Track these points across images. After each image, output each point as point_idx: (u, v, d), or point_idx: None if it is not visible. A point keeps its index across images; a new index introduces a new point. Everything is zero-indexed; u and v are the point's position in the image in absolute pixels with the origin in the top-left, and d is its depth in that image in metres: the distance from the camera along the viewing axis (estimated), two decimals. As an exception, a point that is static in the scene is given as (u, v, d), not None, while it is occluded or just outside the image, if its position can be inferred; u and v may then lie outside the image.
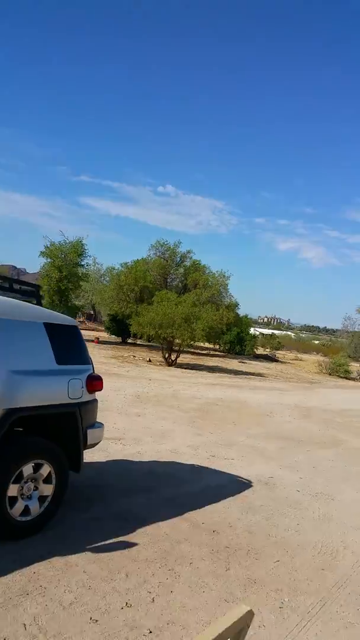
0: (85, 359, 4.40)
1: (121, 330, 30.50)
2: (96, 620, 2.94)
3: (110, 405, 10.33)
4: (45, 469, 3.91)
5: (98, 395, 10.58)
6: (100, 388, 4.48)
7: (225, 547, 4.21)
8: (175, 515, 4.75)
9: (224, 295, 29.70)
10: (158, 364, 22.56)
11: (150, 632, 2.92)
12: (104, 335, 34.34)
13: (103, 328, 36.54)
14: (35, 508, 3.86)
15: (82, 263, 28.80)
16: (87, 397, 4.27)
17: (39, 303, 4.25)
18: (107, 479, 5.60)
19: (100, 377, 4.51)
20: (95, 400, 4.48)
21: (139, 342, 32.33)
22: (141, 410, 10.40)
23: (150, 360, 22.95)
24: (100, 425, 4.58)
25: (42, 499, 3.93)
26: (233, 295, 32.69)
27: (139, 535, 4.18)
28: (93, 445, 4.50)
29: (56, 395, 3.98)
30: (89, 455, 6.36)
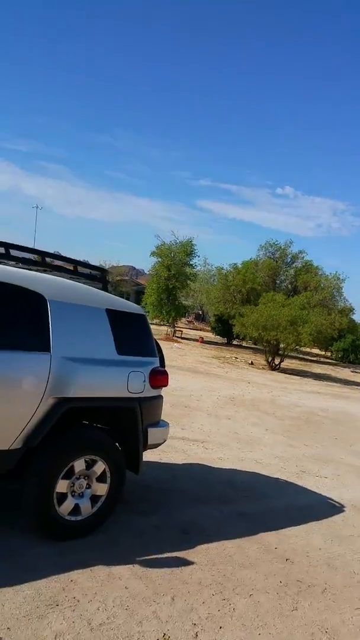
0: (151, 351, 4.04)
1: (226, 331, 30.11)
2: (123, 650, 2.53)
3: (201, 406, 9.98)
4: (99, 467, 3.61)
5: (190, 393, 10.12)
6: (165, 384, 4.09)
7: (297, 580, 3.59)
8: (245, 534, 4.20)
9: (337, 299, 28.01)
10: (261, 367, 21.81)
11: None
12: (210, 335, 34.23)
13: (209, 328, 36.48)
14: (86, 508, 3.58)
15: (191, 262, 28.97)
16: (149, 392, 3.90)
17: (104, 288, 3.98)
18: (178, 483, 5.21)
19: (166, 371, 4.12)
20: (159, 397, 4.10)
21: (244, 344, 31.70)
22: (233, 413, 9.89)
23: (252, 363, 22.26)
24: (165, 424, 4.19)
25: (94, 498, 3.64)
26: (348, 299, 30.64)
27: (198, 553, 3.72)
28: (155, 446, 4.12)
29: (114, 388, 3.66)
30: (165, 455, 6.04)
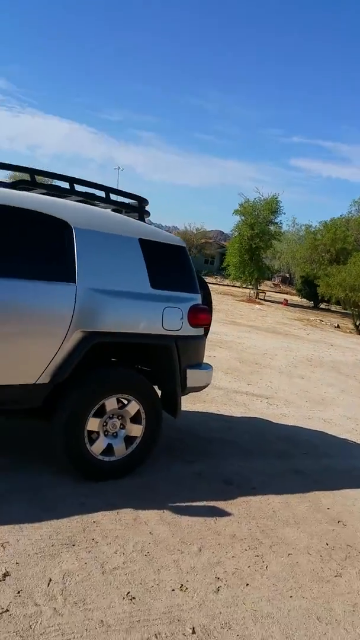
0: (191, 287, 3.69)
1: (313, 293, 28.73)
2: (132, 598, 2.32)
3: (273, 364, 9.51)
4: (133, 407, 3.39)
5: (264, 352, 9.67)
6: (206, 322, 3.74)
7: (347, 545, 3.17)
8: (296, 490, 3.83)
9: None
10: (348, 331, 20.60)
11: (194, 632, 2.19)
12: (296, 299, 33.00)
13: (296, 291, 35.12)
14: (120, 449, 3.40)
15: (276, 221, 27.75)
16: (188, 330, 3.58)
17: (141, 219, 3.66)
18: (233, 435, 4.90)
19: (207, 309, 3.76)
20: (200, 337, 3.76)
21: (332, 308, 30.17)
22: (308, 373, 9.32)
23: (338, 326, 21.08)
24: (208, 367, 3.86)
25: (129, 439, 3.45)
26: None
27: (238, 505, 3.42)
28: (196, 389, 3.81)
29: (146, 323, 3.38)
30: (224, 407, 5.77)
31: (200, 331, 3.74)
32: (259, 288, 29.02)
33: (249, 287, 28.70)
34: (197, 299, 3.72)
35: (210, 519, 3.16)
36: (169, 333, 3.47)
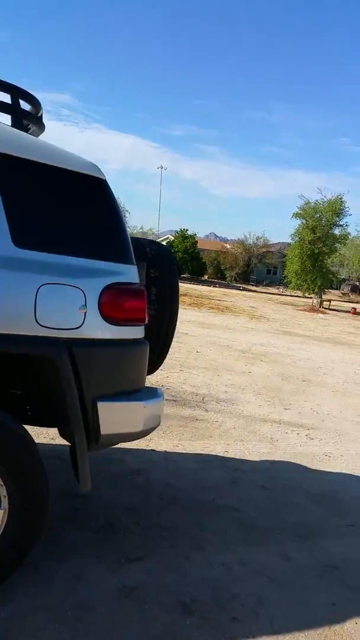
0: (114, 251, 2.06)
1: (386, 301, 25.88)
2: None
3: (327, 381, 7.59)
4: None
5: (318, 366, 7.82)
6: (140, 316, 2.07)
7: None
8: (331, 618, 2.06)
9: None
10: None
11: None
12: (367, 307, 30.04)
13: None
14: None
15: (341, 223, 25.26)
16: (99, 329, 1.94)
17: (18, 126, 2.08)
18: (234, 494, 3.17)
19: (141, 290, 2.09)
20: (132, 344, 2.09)
21: None
22: (372, 392, 7.28)
23: None
24: (152, 397, 2.16)
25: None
26: None
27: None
28: (125, 437, 2.14)
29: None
30: (237, 446, 4.05)
31: (130, 332, 2.07)
32: (323, 297, 26.47)
33: (312, 296, 26.26)
34: (126, 272, 2.07)
35: None
36: (54, 334, 1.84)
